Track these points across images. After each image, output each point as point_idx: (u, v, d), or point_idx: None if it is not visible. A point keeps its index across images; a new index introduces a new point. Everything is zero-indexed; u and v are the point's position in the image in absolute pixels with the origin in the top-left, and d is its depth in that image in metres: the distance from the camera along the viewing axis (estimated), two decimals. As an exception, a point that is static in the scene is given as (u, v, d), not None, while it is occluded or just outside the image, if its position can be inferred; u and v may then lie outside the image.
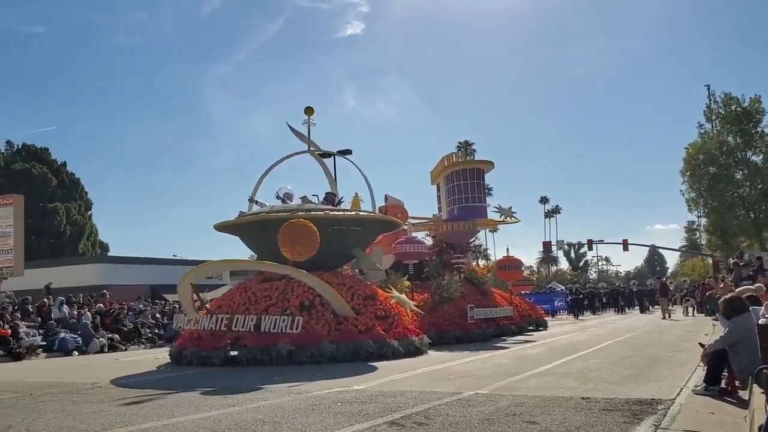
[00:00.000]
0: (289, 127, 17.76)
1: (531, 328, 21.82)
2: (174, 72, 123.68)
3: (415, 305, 15.50)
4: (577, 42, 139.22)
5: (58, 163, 58.69)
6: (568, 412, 6.16)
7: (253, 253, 19.13)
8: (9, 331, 17.34)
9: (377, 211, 17.62)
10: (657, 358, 11.27)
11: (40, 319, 19.67)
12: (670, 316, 28.42)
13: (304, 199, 15.81)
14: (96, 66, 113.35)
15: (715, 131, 49.20)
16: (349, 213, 15.68)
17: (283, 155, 17.34)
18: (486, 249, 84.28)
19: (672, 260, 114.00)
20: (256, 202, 16.24)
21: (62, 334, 18.67)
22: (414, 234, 23.39)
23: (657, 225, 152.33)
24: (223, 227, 15.49)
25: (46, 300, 21.46)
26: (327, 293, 13.00)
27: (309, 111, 16.99)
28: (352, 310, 13.16)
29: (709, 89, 51.70)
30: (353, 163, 17.61)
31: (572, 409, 6.36)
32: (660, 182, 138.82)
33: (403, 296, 15.14)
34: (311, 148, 17.60)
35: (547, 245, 71.42)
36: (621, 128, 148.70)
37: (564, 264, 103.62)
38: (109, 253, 58.14)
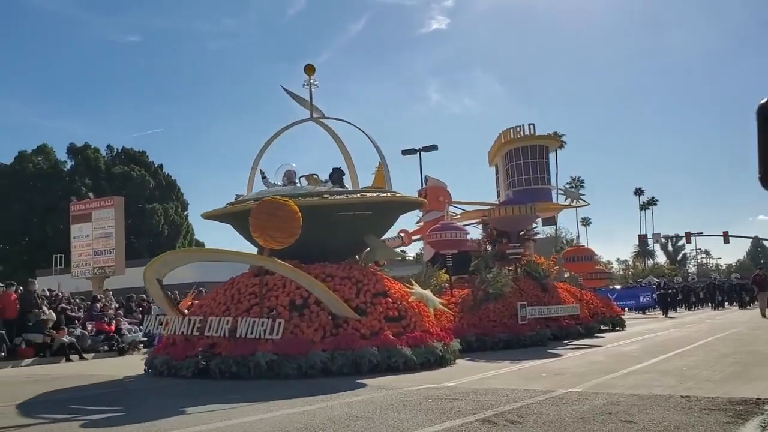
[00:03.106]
0: (286, 90, 15.09)
1: (605, 328, 19.48)
2: (262, 74, 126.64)
3: (442, 303, 13.15)
4: (673, 25, 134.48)
5: (155, 166, 60.96)
6: (666, 411, 5.97)
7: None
8: (113, 327, 18.22)
9: (417, 191, 15.31)
10: (763, 356, 10.77)
11: (141, 316, 20.55)
12: None
13: (310, 178, 13.65)
14: (188, 71, 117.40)
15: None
16: (352, 196, 12.81)
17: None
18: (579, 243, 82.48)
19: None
20: (264, 178, 13.89)
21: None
22: (461, 221, 20.92)
23: (760, 216, 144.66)
24: (211, 216, 13.67)
25: (145, 297, 22.37)
26: (315, 289, 10.81)
27: (309, 70, 14.30)
28: (357, 310, 10.97)
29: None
30: (360, 129, 14.56)
31: (671, 408, 6.16)
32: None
33: (428, 292, 12.70)
34: (314, 115, 14.69)
35: (642, 239, 69.23)
36: (719, 114, 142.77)
37: (661, 258, 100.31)
38: (204, 252, 59.75)
